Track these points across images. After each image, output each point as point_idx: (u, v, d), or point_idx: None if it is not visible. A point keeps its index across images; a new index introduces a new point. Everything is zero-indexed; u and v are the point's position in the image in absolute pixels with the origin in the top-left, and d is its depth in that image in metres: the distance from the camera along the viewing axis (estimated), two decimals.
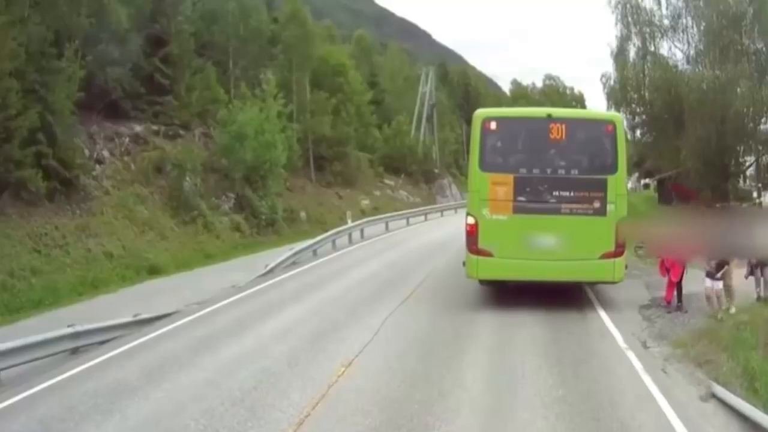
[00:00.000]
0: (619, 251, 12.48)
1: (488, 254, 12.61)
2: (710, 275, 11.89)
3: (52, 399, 8.53)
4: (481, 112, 13.45)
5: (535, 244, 12.38)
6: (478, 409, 7.67)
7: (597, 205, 12.40)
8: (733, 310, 11.51)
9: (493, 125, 12.96)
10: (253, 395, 8.19)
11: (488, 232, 12.60)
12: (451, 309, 12.87)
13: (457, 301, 13.48)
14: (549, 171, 12.65)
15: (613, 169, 12.57)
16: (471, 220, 12.82)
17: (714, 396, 7.79)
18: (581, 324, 11.79)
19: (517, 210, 12.53)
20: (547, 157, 12.80)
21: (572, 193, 12.49)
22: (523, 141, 13.30)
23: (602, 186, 12.43)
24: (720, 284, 11.85)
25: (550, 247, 12.33)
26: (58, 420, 7.76)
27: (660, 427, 7.18)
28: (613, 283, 13.10)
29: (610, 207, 12.39)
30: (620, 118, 14.31)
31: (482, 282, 13.68)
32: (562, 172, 12.64)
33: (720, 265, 11.74)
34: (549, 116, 13.09)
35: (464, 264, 13.27)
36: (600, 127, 13.14)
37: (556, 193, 12.49)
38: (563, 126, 12.81)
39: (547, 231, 12.42)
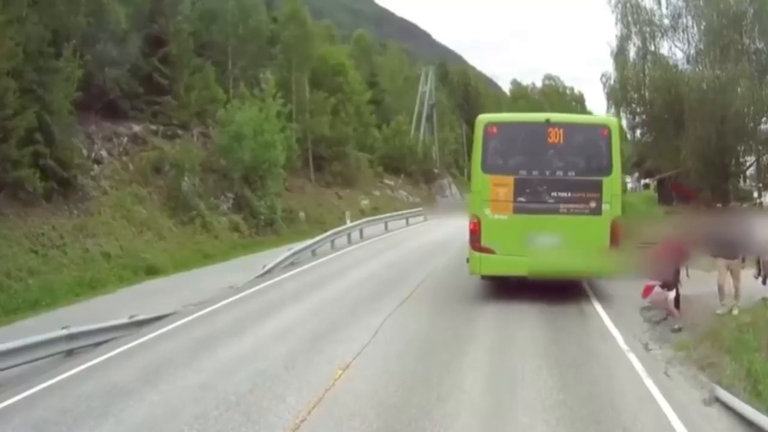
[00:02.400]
0: (614, 247, 13.02)
1: (490, 251, 13.23)
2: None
3: (45, 402, 8.42)
4: (483, 117, 14.24)
5: (535, 242, 12.94)
6: (478, 413, 7.54)
7: (593, 205, 13.04)
8: (735, 312, 11.37)
9: (494, 129, 13.74)
10: (249, 399, 8.06)
11: (490, 231, 13.22)
12: (451, 309, 12.77)
13: (457, 302, 13.39)
14: (547, 173, 13.24)
15: (608, 171, 13.21)
16: (474, 220, 13.44)
17: (717, 400, 7.66)
18: (582, 325, 11.69)
19: (517, 210, 13.15)
20: (545, 159, 13.38)
21: (569, 194, 13.12)
22: (523, 144, 13.79)
23: (598, 187, 13.05)
24: (671, 293, 11.49)
25: (548, 245, 12.87)
26: (51, 423, 7.64)
27: (663, 431, 7.06)
28: (609, 277, 13.94)
29: (605, 207, 13.02)
30: (615, 122, 14.88)
31: (484, 277, 14.20)
32: (559, 173, 13.22)
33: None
34: (547, 121, 13.75)
35: (468, 261, 13.76)
36: (596, 131, 13.84)
37: (554, 194, 13.12)
38: (561, 130, 13.46)
39: (546, 230, 13.01)
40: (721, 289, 11.61)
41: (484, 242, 13.29)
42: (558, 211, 13.11)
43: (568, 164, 13.38)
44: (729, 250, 11.56)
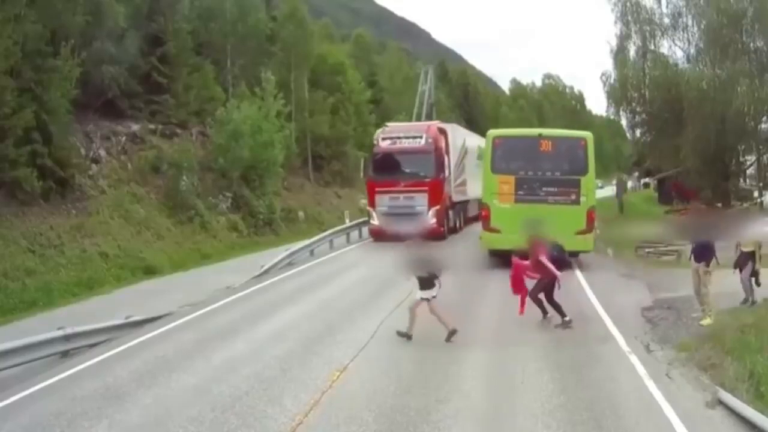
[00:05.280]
0: (589, 229, 17.17)
1: (497, 231, 17.20)
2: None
3: (40, 403, 8.35)
4: (491, 132, 18.90)
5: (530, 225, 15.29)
6: (477, 417, 7.45)
7: (573, 197, 17.11)
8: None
9: (500, 141, 18.12)
10: (245, 401, 7.97)
11: (497, 216, 17.32)
12: (451, 311, 12.60)
13: (456, 303, 13.21)
14: (540, 173, 17.32)
15: (585, 172, 17.26)
16: (485, 208, 17.91)
17: (720, 402, 7.55)
18: (582, 326, 11.55)
19: (517, 200, 17.23)
20: (538, 163, 17.45)
21: (556, 189, 17.17)
22: (522, 152, 17.85)
23: (577, 184, 17.14)
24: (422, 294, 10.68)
25: (541, 227, 15.42)
26: (45, 426, 7.58)
27: None
28: (586, 252, 17.66)
29: (582, 198, 17.14)
30: (591, 135, 18.25)
31: (491, 253, 17.75)
32: (549, 174, 17.31)
33: (429, 280, 10.74)
34: (540, 135, 18.49)
35: (480, 239, 18.16)
36: (576, 142, 17.93)
37: (545, 189, 17.18)
38: (550, 142, 17.88)
39: (539, 215, 15.81)
40: (705, 296, 11.32)
41: (492, 224, 17.45)
42: (548, 201, 17.06)
43: (555, 167, 17.41)
44: (698, 254, 11.44)
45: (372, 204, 24.53)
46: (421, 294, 10.66)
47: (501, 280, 15.78)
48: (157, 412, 7.81)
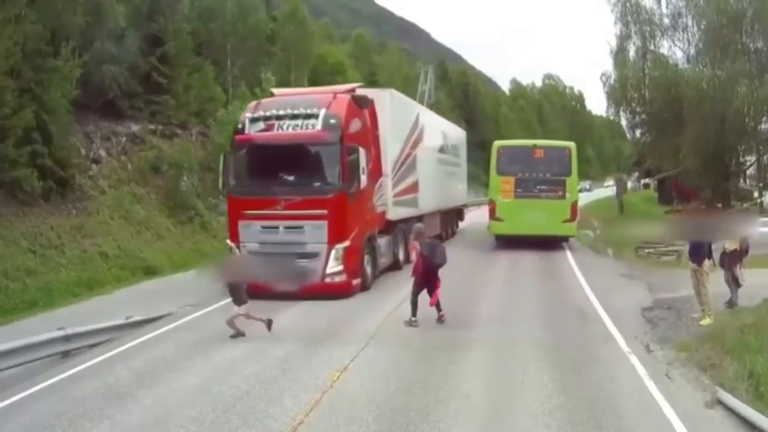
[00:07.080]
0: (572, 218, 21.95)
1: (501, 220, 22.02)
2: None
3: (40, 404, 8.34)
4: (497, 143, 24.10)
5: (527, 215, 21.13)
6: (477, 417, 7.45)
7: (560, 193, 21.74)
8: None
9: (502, 150, 22.99)
10: (245, 401, 7.97)
11: (501, 208, 22.01)
12: (450, 311, 12.63)
13: (456, 303, 13.26)
14: (534, 174, 21.90)
15: (569, 173, 22.07)
16: (492, 202, 22.46)
17: (720, 402, 7.56)
18: (582, 327, 11.60)
19: (517, 196, 21.82)
20: (533, 167, 22.05)
21: (547, 187, 21.74)
22: (520, 158, 22.51)
23: (563, 183, 21.90)
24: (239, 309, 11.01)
25: (535, 216, 21.03)
26: (46, 426, 7.57)
27: None
28: (571, 237, 22.92)
29: (567, 195, 21.79)
30: (574, 145, 23.34)
31: (497, 237, 22.66)
32: (541, 175, 21.89)
33: (239, 291, 11.11)
34: (534, 145, 23.79)
35: (488, 227, 23.17)
36: (562, 150, 22.95)
37: (538, 187, 21.77)
38: (542, 150, 22.94)
39: (533, 208, 21.32)
40: (704, 296, 11.33)
41: (497, 215, 22.06)
42: (540, 197, 21.59)
43: (546, 169, 21.94)
44: (692, 254, 11.47)
45: (234, 237, 14.42)
46: (236, 309, 11.05)
47: (501, 280, 16.02)
48: (158, 412, 7.82)
